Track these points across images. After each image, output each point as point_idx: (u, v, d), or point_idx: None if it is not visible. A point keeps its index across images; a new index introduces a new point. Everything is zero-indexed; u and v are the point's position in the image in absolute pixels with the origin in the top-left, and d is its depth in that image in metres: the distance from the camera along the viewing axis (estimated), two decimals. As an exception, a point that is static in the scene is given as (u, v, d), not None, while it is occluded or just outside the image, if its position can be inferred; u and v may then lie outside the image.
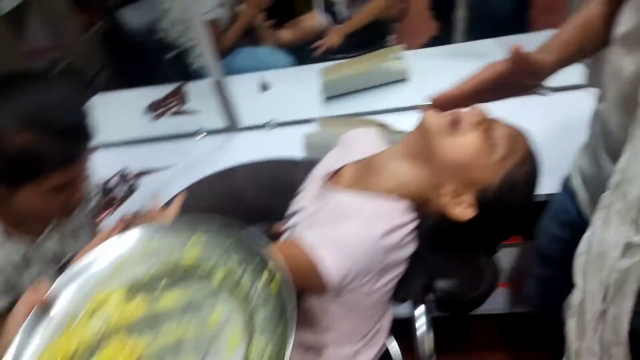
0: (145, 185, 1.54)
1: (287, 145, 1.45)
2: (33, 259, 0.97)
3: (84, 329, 0.53)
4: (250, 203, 0.96)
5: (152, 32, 2.29)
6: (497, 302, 1.56)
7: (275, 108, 1.69)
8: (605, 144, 0.74)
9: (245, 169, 1.00)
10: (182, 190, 1.03)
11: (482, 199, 0.69)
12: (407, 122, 1.41)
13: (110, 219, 1.43)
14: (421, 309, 0.87)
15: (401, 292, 0.74)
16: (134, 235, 0.63)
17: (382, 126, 1.28)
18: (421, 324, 0.87)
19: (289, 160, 1.03)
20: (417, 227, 0.72)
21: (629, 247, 0.56)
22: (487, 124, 0.71)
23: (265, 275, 0.53)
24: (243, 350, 0.50)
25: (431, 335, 0.88)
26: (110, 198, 1.52)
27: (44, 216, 0.96)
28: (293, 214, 0.80)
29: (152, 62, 2.21)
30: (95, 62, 3.26)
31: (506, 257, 1.47)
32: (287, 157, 1.05)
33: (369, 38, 2.19)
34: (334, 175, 0.81)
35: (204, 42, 1.41)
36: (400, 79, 1.59)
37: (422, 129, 0.72)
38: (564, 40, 0.80)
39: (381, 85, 1.60)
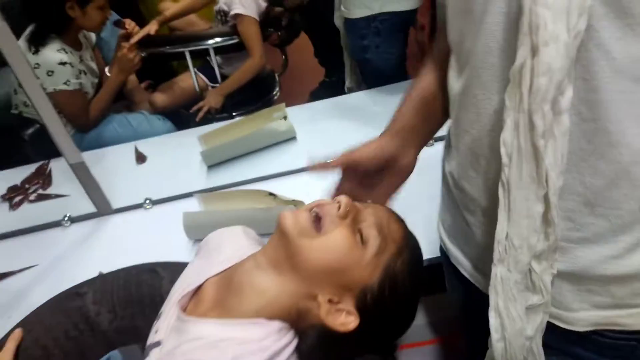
0: (4, 290, 1.29)
1: (168, 226, 1.30)
2: None
3: None
4: (108, 327, 0.79)
5: (8, 107, 2.04)
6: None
7: (153, 182, 1.53)
8: (464, 206, 0.69)
9: (93, 287, 0.83)
10: (16, 326, 0.83)
11: (363, 303, 0.60)
12: (297, 186, 1.36)
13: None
14: None
15: None
16: None
17: (272, 196, 1.18)
18: None
19: (148, 266, 0.87)
20: (298, 347, 0.60)
21: (529, 309, 0.56)
22: (353, 215, 0.63)
23: None
24: None
25: None
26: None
27: None
28: (151, 347, 0.65)
29: (10, 140, 1.95)
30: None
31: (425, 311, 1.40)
32: (146, 263, 0.89)
33: (253, 94, 2.12)
34: (195, 294, 0.68)
35: (52, 121, 1.23)
36: (287, 139, 1.50)
37: (281, 233, 0.61)
38: (412, 130, 0.77)
39: (267, 147, 1.50)
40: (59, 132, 1.27)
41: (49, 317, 0.81)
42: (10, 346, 0.79)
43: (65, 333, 0.78)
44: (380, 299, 0.60)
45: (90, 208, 1.44)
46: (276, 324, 0.59)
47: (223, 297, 0.64)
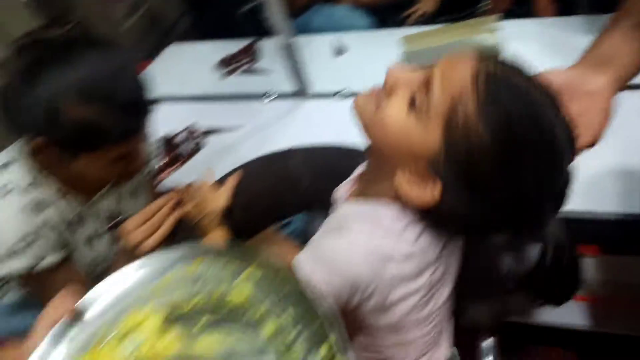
0: (211, 145, 1.51)
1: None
2: (87, 217, 0.97)
3: (112, 352, 0.47)
4: (306, 189, 0.90)
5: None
6: (574, 317, 1.38)
7: (349, 74, 1.59)
8: None
9: (302, 153, 0.93)
10: (237, 169, 0.98)
11: (437, 168, 0.54)
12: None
13: (173, 177, 1.43)
14: (489, 342, 0.78)
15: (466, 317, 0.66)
16: (179, 251, 0.55)
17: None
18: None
19: (349, 149, 0.94)
20: (428, 225, 0.60)
21: None
22: (404, 86, 0.57)
23: (323, 350, 0.43)
24: None
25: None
26: (175, 154, 1.51)
27: (101, 180, 0.95)
28: None
29: (227, 14, 2.15)
30: (175, 9, 3.26)
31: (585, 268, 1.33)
32: (348, 145, 0.97)
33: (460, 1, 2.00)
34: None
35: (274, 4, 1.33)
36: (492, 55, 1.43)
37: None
38: (610, 57, 0.65)
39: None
40: (278, 11, 1.36)
41: (261, 170, 0.95)
42: (230, 185, 0.95)
43: (271, 187, 0.91)
44: (457, 159, 0.53)
45: (291, 88, 1.57)
46: (394, 208, 0.60)
47: (360, 181, 0.69)
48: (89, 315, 0.51)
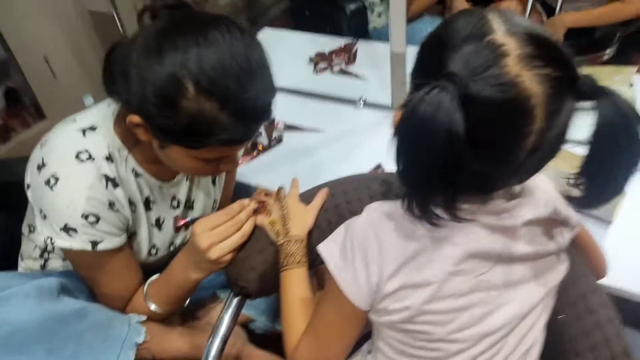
0: (290, 141, 1.43)
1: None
2: (160, 200, 0.89)
3: None
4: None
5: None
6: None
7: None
8: None
9: (394, 179, 0.82)
10: (324, 185, 0.88)
11: None
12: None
13: (248, 166, 1.35)
14: None
15: None
16: None
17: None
18: None
19: None
20: None
21: None
22: None
23: None
24: None
25: None
26: (252, 144, 1.43)
27: (187, 172, 0.88)
28: None
29: (329, 9, 2.07)
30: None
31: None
32: None
33: (584, 43, 1.83)
34: None
35: (397, 8, 1.23)
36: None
37: None
38: None
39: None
40: (399, 18, 1.26)
41: (353, 191, 0.84)
42: (318, 203, 0.85)
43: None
44: None
45: (385, 99, 1.46)
46: None
47: None
48: None
